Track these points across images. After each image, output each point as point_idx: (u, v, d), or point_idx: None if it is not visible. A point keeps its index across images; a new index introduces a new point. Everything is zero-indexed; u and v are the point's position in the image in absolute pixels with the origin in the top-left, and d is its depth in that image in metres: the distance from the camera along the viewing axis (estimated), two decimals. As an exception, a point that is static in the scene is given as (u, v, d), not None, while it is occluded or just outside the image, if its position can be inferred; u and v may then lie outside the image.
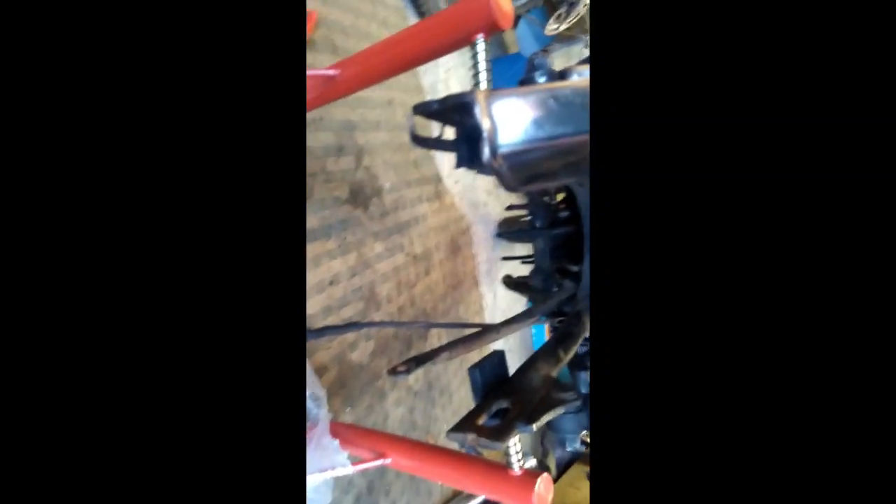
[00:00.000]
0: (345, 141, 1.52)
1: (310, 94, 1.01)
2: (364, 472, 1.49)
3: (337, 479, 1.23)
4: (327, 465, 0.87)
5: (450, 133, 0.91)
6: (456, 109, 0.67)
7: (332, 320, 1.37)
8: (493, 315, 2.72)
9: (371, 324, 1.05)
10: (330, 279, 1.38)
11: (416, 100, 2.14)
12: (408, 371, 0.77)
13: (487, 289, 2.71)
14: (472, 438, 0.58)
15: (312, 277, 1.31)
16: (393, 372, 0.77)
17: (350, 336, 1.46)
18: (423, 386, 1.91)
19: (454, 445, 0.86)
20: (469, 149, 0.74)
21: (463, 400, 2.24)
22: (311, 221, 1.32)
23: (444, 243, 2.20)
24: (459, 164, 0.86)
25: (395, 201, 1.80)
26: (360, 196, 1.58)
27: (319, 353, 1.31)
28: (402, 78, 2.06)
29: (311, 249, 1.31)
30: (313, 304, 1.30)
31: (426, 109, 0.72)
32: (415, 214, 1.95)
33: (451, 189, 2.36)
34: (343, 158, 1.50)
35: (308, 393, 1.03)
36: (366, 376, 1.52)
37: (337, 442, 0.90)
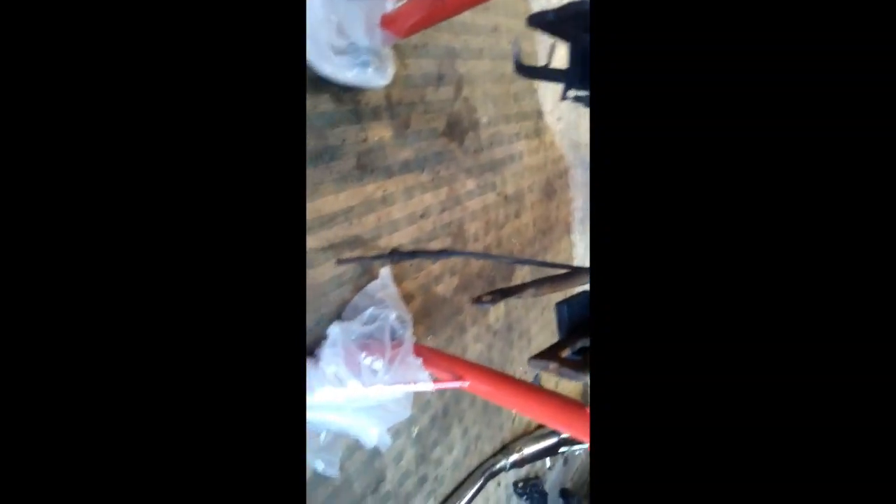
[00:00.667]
0: (446, 69, 1.47)
1: (417, 15, 0.97)
2: (440, 397, 1.59)
3: (416, 398, 1.34)
4: (410, 379, 0.93)
5: (559, 61, 0.81)
6: (575, 19, 0.59)
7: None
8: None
9: (460, 252, 1.06)
10: (421, 212, 1.41)
11: (524, 27, 1.96)
12: (493, 301, 0.77)
13: (580, 237, 2.58)
14: (553, 367, 0.57)
15: (405, 209, 1.35)
16: (478, 300, 0.78)
17: (436, 269, 1.51)
18: (502, 326, 1.94)
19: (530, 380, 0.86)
20: (584, 68, 0.66)
21: (541, 345, 2.24)
22: (407, 153, 1.32)
23: (538, 185, 2.10)
24: (568, 87, 0.77)
25: (492, 136, 1.73)
26: (457, 129, 1.54)
27: (407, 281, 1.37)
28: (511, 1, 1.88)
29: (405, 181, 1.33)
30: (404, 235, 1.35)
31: (541, 20, 0.65)
32: (510, 152, 1.86)
33: (552, 126, 2.20)
34: (443, 88, 1.45)
35: (395, 314, 1.10)
36: (448, 309, 1.58)
37: (420, 360, 0.95)
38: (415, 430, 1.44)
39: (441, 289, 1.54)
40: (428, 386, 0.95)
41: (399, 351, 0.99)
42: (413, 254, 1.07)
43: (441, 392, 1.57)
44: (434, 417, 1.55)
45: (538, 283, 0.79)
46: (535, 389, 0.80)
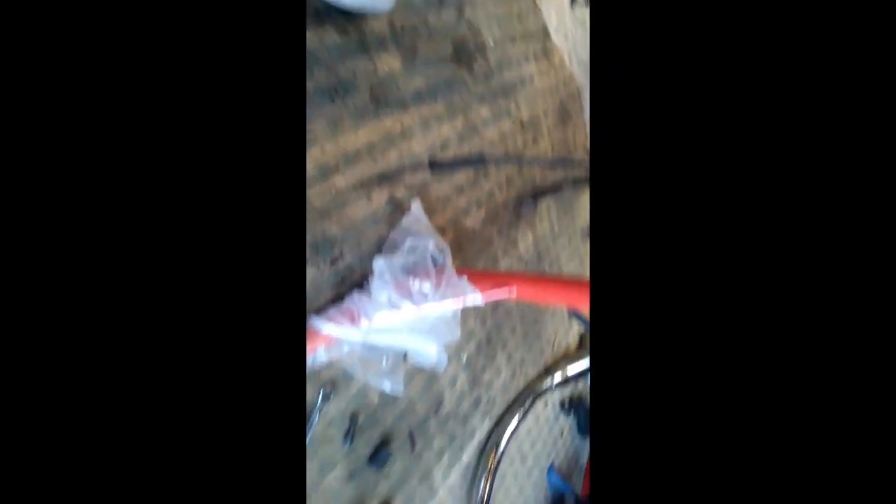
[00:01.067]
0: (444, -10, 1.40)
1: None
2: (483, 325, 1.65)
3: (462, 325, 1.39)
4: (459, 296, 0.97)
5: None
6: None
7: (444, 187, 1.42)
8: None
9: (496, 160, 1.07)
10: (440, 144, 1.40)
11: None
12: (534, 200, 0.78)
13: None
14: None
15: (424, 142, 1.33)
16: (519, 205, 0.79)
17: (462, 202, 1.51)
18: (532, 257, 1.96)
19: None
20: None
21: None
22: (417, 82, 1.29)
23: (552, 109, 2.03)
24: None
25: (500, 60, 1.66)
26: (464, 54, 1.49)
27: (436, 216, 1.38)
28: None
29: (420, 112, 1.31)
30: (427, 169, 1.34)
31: None
32: (520, 75, 1.80)
33: (560, 46, 2.10)
34: (444, 11, 1.39)
35: (433, 243, 1.12)
36: (479, 242, 1.60)
37: (465, 277, 0.98)
38: (464, 357, 1.51)
39: (470, 222, 1.55)
40: (477, 299, 0.98)
41: (443, 275, 1.02)
42: (451, 164, 1.07)
43: (482, 321, 1.62)
44: (479, 345, 1.61)
45: (576, 180, 0.79)
46: (576, 280, 0.82)
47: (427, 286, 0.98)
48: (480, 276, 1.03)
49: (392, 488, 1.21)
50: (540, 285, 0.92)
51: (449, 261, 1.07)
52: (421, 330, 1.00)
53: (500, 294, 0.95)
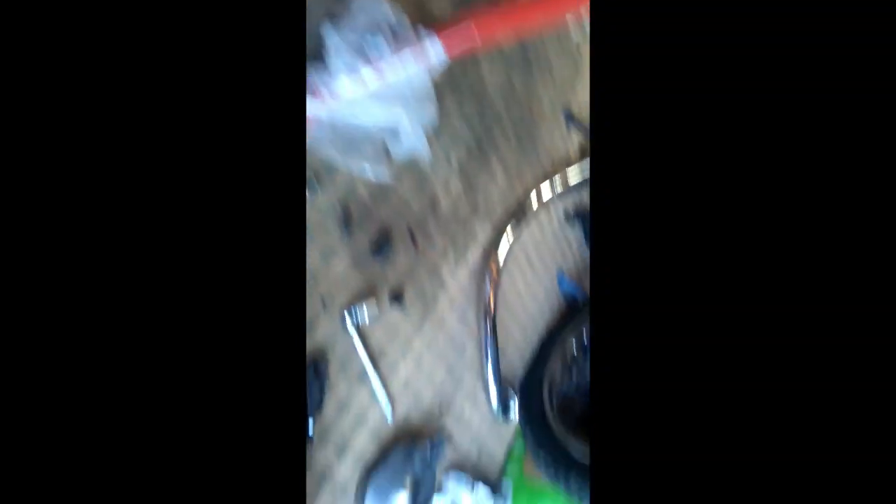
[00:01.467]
0: None
1: None
2: (471, 128, 1.58)
3: (445, 128, 1.32)
4: (421, 55, 0.89)
5: None
6: None
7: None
8: None
9: None
10: None
11: None
12: None
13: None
14: None
15: None
16: None
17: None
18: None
19: None
20: None
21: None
22: None
23: None
24: None
25: None
26: None
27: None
28: None
29: None
30: None
31: None
32: None
33: None
34: None
35: (387, 6, 1.00)
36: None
37: (422, 29, 0.89)
38: (453, 159, 1.48)
39: (437, 8, 1.37)
40: (440, 51, 0.90)
41: (401, 33, 0.92)
42: None
43: (469, 124, 1.55)
44: (469, 150, 1.57)
45: None
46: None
47: (383, 44, 0.89)
48: (440, 26, 0.93)
49: (400, 279, 1.31)
50: (508, 12, 0.82)
51: (405, 21, 0.96)
52: (389, 98, 0.95)
53: (465, 37, 0.86)
